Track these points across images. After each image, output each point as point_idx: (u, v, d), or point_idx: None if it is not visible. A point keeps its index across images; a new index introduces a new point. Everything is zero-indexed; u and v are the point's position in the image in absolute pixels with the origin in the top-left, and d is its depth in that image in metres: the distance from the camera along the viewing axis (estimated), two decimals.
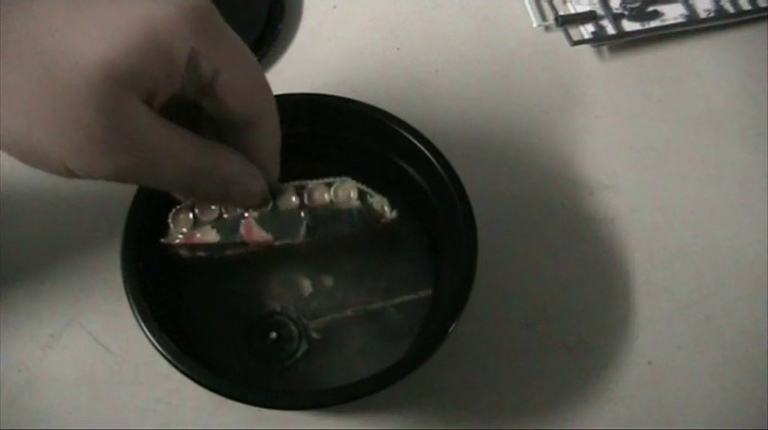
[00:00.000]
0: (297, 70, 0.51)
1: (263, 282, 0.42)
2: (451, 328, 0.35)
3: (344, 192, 0.33)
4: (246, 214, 0.33)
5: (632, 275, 0.45)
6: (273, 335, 0.40)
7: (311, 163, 0.39)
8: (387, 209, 0.34)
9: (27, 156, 0.26)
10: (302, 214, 0.33)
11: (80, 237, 0.44)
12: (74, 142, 0.26)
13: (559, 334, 0.43)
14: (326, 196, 0.33)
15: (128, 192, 0.36)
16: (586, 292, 0.45)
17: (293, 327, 0.41)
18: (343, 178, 0.34)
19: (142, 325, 0.34)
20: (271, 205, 0.33)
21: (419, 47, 0.53)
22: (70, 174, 0.27)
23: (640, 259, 0.46)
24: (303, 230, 0.33)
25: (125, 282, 0.35)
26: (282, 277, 0.42)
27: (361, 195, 0.33)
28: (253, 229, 0.32)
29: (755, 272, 0.46)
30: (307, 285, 0.42)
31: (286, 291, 0.42)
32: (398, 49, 0.53)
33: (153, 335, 0.34)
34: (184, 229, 0.33)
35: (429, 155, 0.39)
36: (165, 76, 0.27)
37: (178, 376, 0.33)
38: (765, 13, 0.55)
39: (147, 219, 0.36)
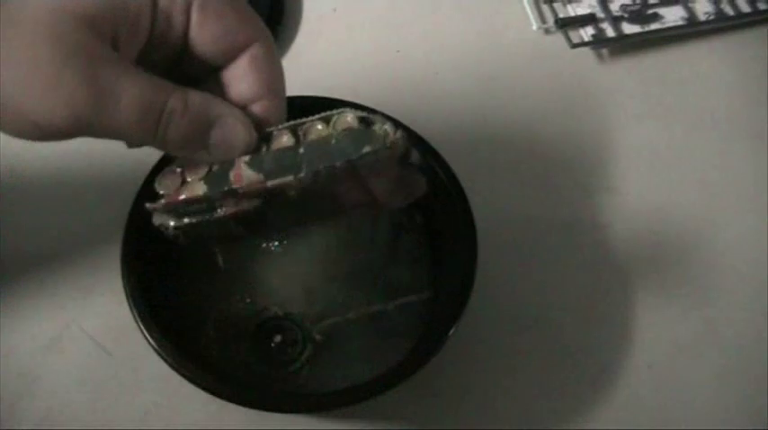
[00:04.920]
0: (297, 73, 0.50)
1: (264, 285, 0.42)
2: (452, 331, 0.35)
3: (343, 122, 0.30)
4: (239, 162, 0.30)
5: (631, 278, 0.45)
6: (278, 338, 0.40)
7: None
8: (390, 130, 0.30)
9: None
10: (300, 150, 0.30)
11: (80, 239, 0.44)
12: (32, 84, 0.26)
13: (559, 336, 0.43)
14: (325, 131, 0.30)
15: (128, 192, 0.36)
16: (586, 295, 0.45)
17: (297, 331, 0.41)
18: (341, 109, 0.31)
19: (142, 327, 0.34)
20: (264, 149, 0.30)
21: (419, 49, 0.53)
22: (37, 129, 0.26)
23: (640, 261, 0.46)
24: (300, 165, 0.29)
25: (125, 284, 0.35)
26: (284, 279, 0.42)
27: (362, 121, 0.30)
28: (243, 173, 0.30)
29: (755, 274, 0.46)
30: (308, 287, 0.42)
31: (288, 294, 0.42)
32: (398, 51, 0.53)
33: (153, 337, 0.34)
34: (170, 191, 0.31)
35: (428, 157, 0.39)
36: (126, 13, 0.27)
37: (178, 378, 0.33)
38: (765, 16, 0.55)
39: (147, 220, 0.36)
